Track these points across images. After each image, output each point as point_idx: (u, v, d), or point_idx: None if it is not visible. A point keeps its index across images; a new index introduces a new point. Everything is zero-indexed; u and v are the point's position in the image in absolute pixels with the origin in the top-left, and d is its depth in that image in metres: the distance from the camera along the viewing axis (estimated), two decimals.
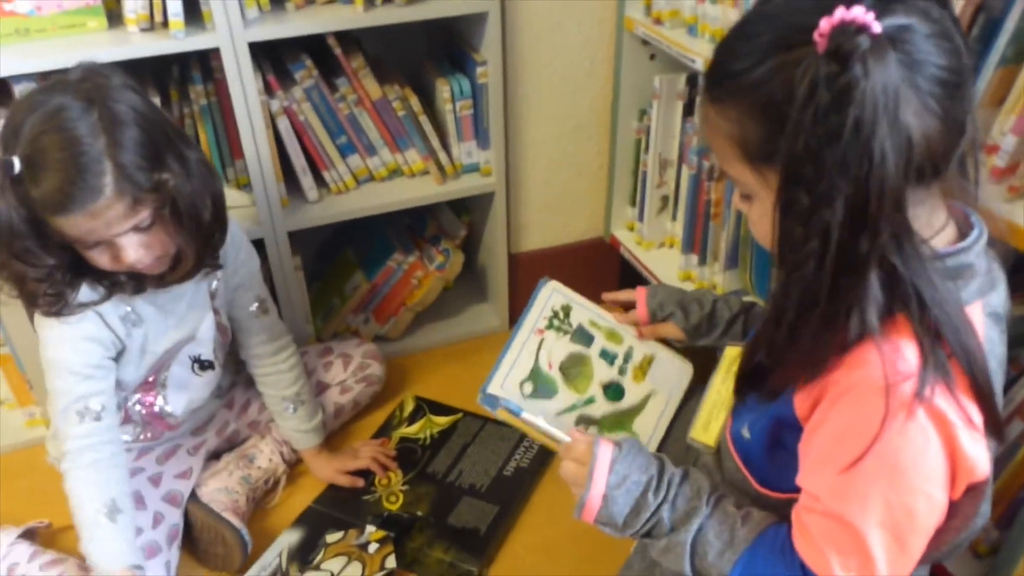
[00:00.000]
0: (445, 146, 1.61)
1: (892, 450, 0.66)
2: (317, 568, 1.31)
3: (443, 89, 1.55)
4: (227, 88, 1.36)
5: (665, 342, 1.14)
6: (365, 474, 1.49)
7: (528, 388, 1.02)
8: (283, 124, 1.46)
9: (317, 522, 1.40)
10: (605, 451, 0.84)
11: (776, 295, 0.70)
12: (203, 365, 1.33)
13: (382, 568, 1.29)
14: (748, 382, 0.77)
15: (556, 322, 1.05)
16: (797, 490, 0.75)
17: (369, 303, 1.76)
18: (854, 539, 0.68)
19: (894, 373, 0.65)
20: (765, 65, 0.65)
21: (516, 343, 1.05)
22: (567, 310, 1.05)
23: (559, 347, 1.08)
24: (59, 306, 1.12)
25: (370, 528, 1.36)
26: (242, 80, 1.35)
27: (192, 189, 1.08)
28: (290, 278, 1.59)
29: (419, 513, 1.41)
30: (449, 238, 1.78)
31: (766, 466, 0.83)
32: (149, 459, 1.38)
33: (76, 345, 1.16)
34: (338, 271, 1.81)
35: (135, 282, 1.16)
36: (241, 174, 1.52)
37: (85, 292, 1.14)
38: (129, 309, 1.20)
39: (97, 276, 1.12)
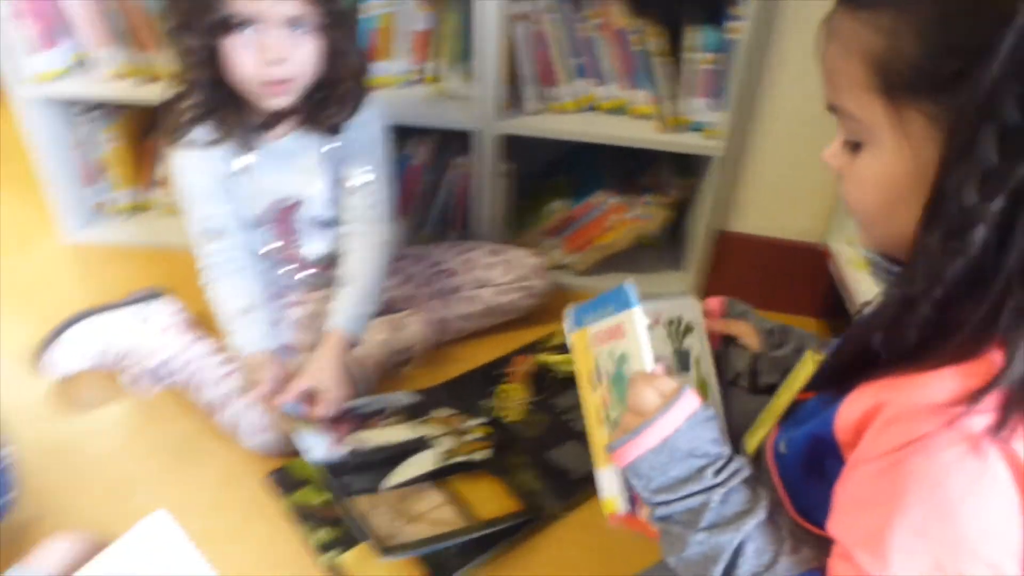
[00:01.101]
0: (675, 96, 1.55)
1: (949, 495, 0.53)
2: (413, 427, 1.38)
3: (691, 37, 1.48)
4: None
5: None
6: (493, 380, 1.53)
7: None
8: (521, 29, 1.49)
9: (433, 398, 1.47)
10: (692, 399, 0.71)
11: (917, 268, 0.56)
12: (326, 223, 1.44)
13: (469, 455, 1.33)
14: (845, 373, 0.63)
15: (671, 328, 0.87)
16: None
17: (563, 230, 1.77)
18: None
19: (968, 398, 0.53)
20: None
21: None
22: (688, 329, 0.90)
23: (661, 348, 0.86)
24: (179, 133, 1.28)
25: (477, 420, 1.40)
26: None
27: (351, 37, 1.23)
28: (492, 180, 1.64)
29: (526, 435, 1.43)
30: (660, 193, 1.73)
31: (802, 491, 0.71)
32: (315, 296, 1.51)
33: (192, 167, 1.32)
34: (545, 191, 1.84)
35: (249, 131, 1.30)
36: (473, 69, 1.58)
37: (200, 132, 1.29)
38: (240, 156, 1.32)
39: (220, 117, 1.27)
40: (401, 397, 1.45)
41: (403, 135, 1.65)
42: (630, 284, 0.80)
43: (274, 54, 1.18)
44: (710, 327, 0.91)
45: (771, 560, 0.66)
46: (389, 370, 1.54)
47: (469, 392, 1.51)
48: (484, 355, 1.60)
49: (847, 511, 0.61)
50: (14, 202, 2.00)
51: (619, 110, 1.60)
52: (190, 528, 0.94)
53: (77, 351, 1.50)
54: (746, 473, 0.71)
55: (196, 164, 1.32)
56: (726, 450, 0.71)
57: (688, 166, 1.75)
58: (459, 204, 1.75)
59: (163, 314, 1.51)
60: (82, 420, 1.45)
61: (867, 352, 0.60)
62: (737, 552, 0.66)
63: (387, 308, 1.58)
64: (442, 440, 1.36)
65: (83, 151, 1.85)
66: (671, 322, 0.86)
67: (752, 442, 0.76)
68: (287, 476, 1.33)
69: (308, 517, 1.27)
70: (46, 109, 1.72)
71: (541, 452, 1.40)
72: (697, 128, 1.56)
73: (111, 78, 1.67)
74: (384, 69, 1.62)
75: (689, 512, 0.68)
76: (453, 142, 1.72)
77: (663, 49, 1.51)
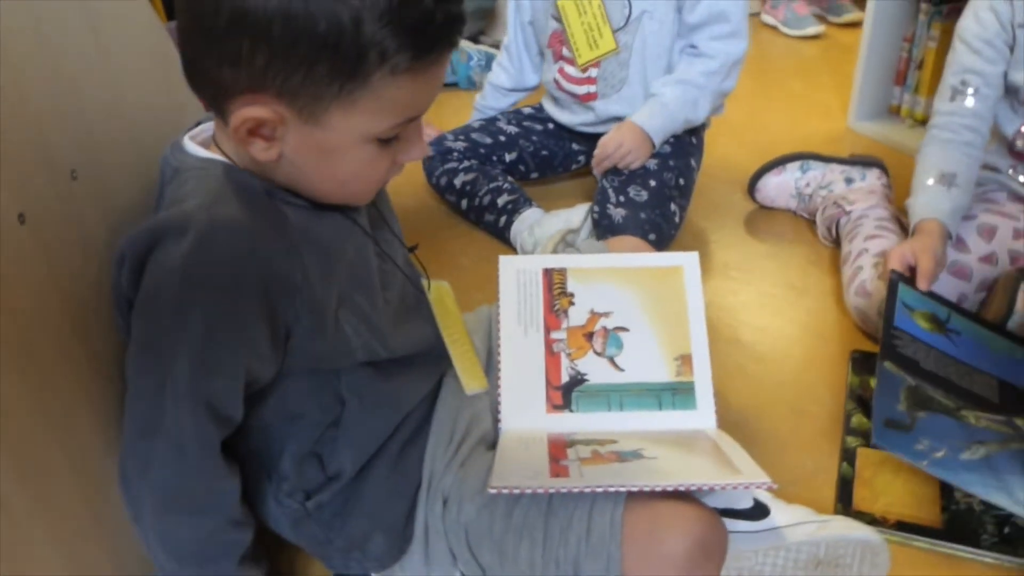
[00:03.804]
0: None
1: None
2: None
3: None
4: None
5: None
6: None
7: None
8: None
9: None
10: None
11: None
12: None
13: None
14: None
15: None
16: None
17: None
18: None
19: None
20: None
21: None
22: None
23: None
24: None
25: None
26: None
27: None
28: None
29: None
30: None
31: None
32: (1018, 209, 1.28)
33: (979, 13, 1.19)
34: None
35: None
36: None
37: None
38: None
39: None
40: None
41: None
42: None
43: None
44: None
45: None
46: None
47: None
48: None
49: None
50: (836, 80, 2.16)
51: None
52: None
53: (785, 187, 1.59)
54: None
55: (981, 11, 1.21)
56: None
57: None
58: None
59: (873, 179, 1.49)
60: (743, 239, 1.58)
61: None
62: None
63: None
64: None
65: (908, 46, 1.86)
66: None
67: None
68: (866, 362, 1.20)
69: (858, 401, 1.14)
70: None
71: None
72: None
73: None
74: None
75: None
76: None
77: None
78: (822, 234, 1.50)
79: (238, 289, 0.64)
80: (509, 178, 1.59)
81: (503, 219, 1.50)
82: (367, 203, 0.78)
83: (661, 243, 1.42)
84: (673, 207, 1.45)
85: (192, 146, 0.70)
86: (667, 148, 1.52)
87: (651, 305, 0.94)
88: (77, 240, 0.66)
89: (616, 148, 1.45)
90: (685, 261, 0.96)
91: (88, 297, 0.67)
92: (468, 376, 0.86)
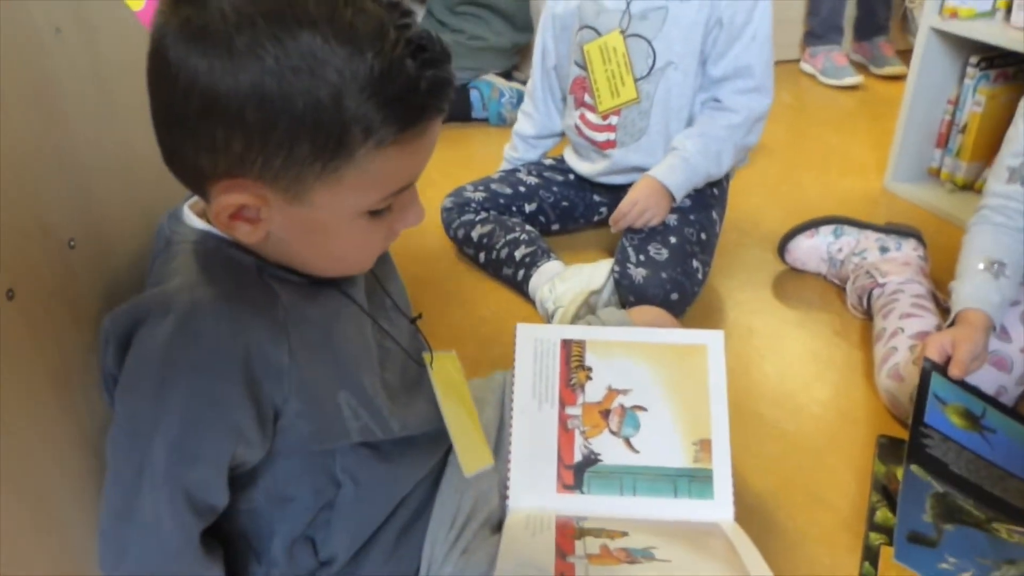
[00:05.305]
0: None
1: None
2: None
3: None
4: None
5: None
6: None
7: None
8: None
9: None
10: None
11: None
12: None
13: None
14: None
15: None
16: None
17: None
18: None
19: None
20: None
21: None
22: None
23: None
24: None
25: None
26: None
27: None
28: None
29: None
30: None
31: None
32: None
33: None
34: None
35: None
36: None
37: None
38: None
39: None
40: None
41: None
42: None
43: None
44: None
45: None
46: None
47: None
48: None
49: None
50: (874, 135, 2.11)
51: None
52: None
53: (817, 251, 1.54)
54: None
55: None
56: None
57: None
58: None
59: (908, 249, 1.44)
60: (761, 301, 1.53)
61: None
62: None
63: None
64: None
65: (952, 109, 1.81)
66: None
67: None
68: (893, 449, 1.14)
69: (883, 492, 1.08)
70: (943, 48, 1.73)
71: None
72: None
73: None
74: None
75: None
76: None
77: None
78: (852, 303, 1.44)
79: (219, 372, 0.61)
80: (528, 227, 1.55)
81: (521, 272, 1.46)
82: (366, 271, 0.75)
83: (684, 302, 1.37)
84: (695, 263, 1.40)
85: (189, 216, 0.68)
86: (687, 201, 1.47)
87: (672, 384, 0.91)
88: (68, 311, 0.63)
89: (631, 207, 1.41)
90: (709, 340, 0.92)
91: (76, 369, 0.64)
92: (469, 456, 0.82)
